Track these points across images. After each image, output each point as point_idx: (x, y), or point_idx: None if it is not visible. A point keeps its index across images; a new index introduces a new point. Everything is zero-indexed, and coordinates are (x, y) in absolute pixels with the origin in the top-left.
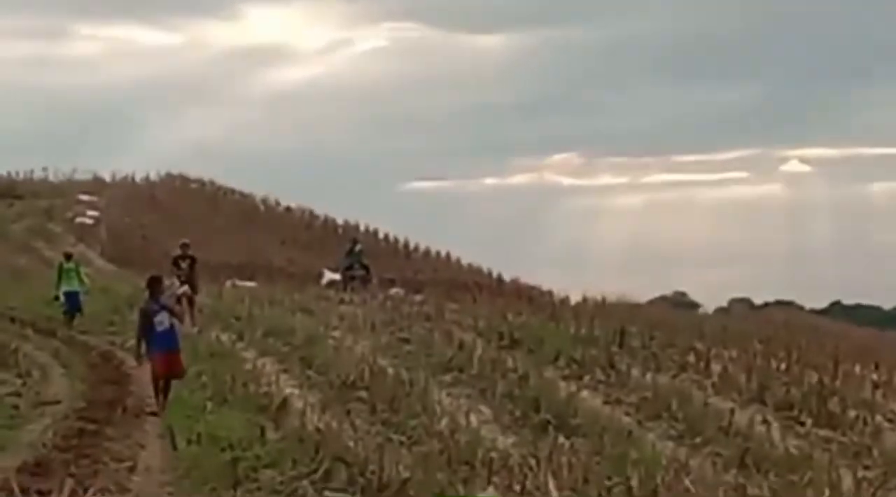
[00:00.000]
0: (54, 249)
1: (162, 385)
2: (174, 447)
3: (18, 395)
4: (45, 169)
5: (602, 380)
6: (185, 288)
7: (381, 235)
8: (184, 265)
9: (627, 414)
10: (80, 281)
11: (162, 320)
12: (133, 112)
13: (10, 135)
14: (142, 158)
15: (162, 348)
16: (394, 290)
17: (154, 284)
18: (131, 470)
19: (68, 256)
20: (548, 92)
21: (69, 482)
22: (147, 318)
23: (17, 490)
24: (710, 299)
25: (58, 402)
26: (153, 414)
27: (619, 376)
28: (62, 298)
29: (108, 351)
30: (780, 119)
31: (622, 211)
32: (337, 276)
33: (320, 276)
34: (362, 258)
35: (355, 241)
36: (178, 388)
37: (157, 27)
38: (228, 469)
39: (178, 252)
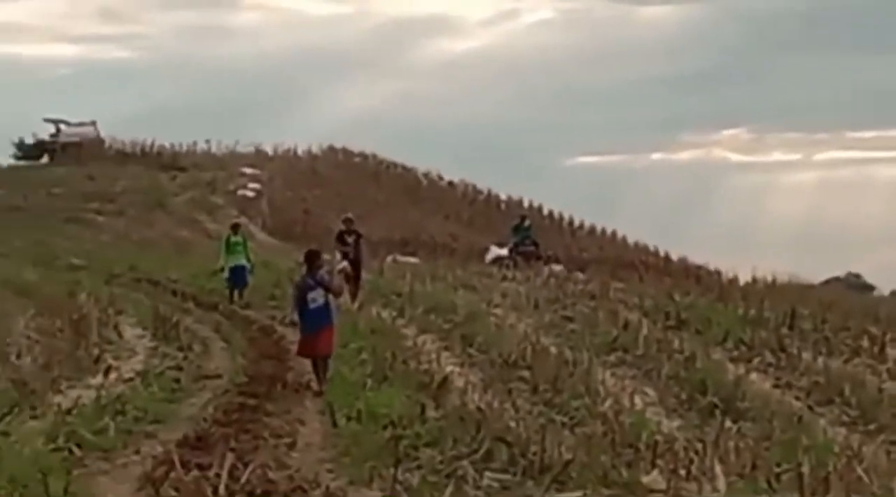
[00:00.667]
0: (216, 222)
1: (321, 364)
2: (334, 424)
3: (179, 368)
4: (207, 141)
5: (771, 363)
6: (345, 264)
7: (545, 212)
8: (349, 240)
9: (797, 398)
10: (247, 256)
11: (315, 297)
12: (297, 83)
13: (174, 106)
14: (305, 131)
15: (311, 327)
16: (556, 268)
17: (311, 258)
18: (291, 446)
19: (235, 228)
20: (717, 65)
21: (230, 457)
22: (301, 293)
23: (177, 463)
24: (886, 282)
25: (218, 377)
26: (317, 394)
27: (790, 359)
28: (227, 272)
29: (269, 325)
30: None
31: (794, 189)
32: (504, 252)
33: (486, 251)
34: (531, 234)
35: (524, 217)
36: (339, 364)
37: None
38: (388, 447)
39: (342, 227)
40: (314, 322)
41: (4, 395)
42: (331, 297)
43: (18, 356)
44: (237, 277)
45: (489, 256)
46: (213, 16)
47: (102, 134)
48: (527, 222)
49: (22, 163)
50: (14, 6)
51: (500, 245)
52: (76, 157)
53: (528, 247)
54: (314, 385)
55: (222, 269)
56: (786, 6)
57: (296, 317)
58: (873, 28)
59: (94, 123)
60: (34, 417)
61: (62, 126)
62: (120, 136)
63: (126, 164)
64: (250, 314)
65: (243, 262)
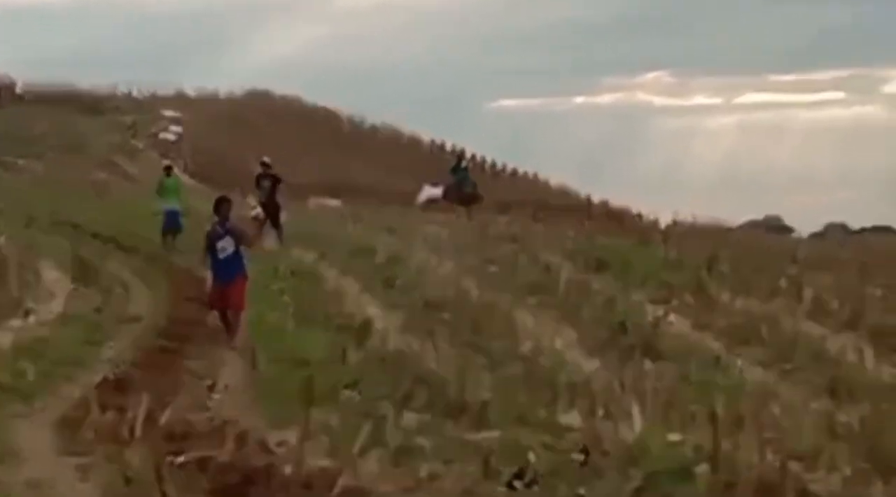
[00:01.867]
0: (137, 166)
1: (232, 317)
2: (254, 366)
3: (100, 311)
4: (128, 84)
5: (690, 304)
6: (258, 210)
7: (467, 155)
8: (265, 184)
9: (715, 339)
10: (180, 199)
11: (225, 246)
12: (220, 28)
13: (93, 49)
14: (228, 75)
15: (221, 278)
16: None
17: (221, 205)
18: (211, 388)
19: (168, 171)
20: (639, 9)
21: (147, 399)
22: (210, 242)
23: (95, 406)
24: (805, 224)
25: (139, 320)
26: (230, 347)
27: (708, 301)
28: (161, 215)
29: (190, 268)
30: (882, 38)
31: (715, 132)
32: (438, 192)
33: (420, 191)
34: (469, 175)
35: (461, 157)
36: (261, 306)
37: None
38: (308, 388)
39: (259, 170)
40: (224, 272)
41: None
42: (242, 246)
43: None
44: (170, 222)
45: (422, 196)
46: None
47: (15, 78)
48: (464, 163)
49: None
50: None
51: (434, 185)
52: None
53: (467, 188)
54: (228, 337)
55: (155, 214)
56: None
57: (207, 268)
58: None
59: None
60: None
61: None
62: (40, 78)
63: (45, 108)
64: (172, 258)
65: (176, 206)
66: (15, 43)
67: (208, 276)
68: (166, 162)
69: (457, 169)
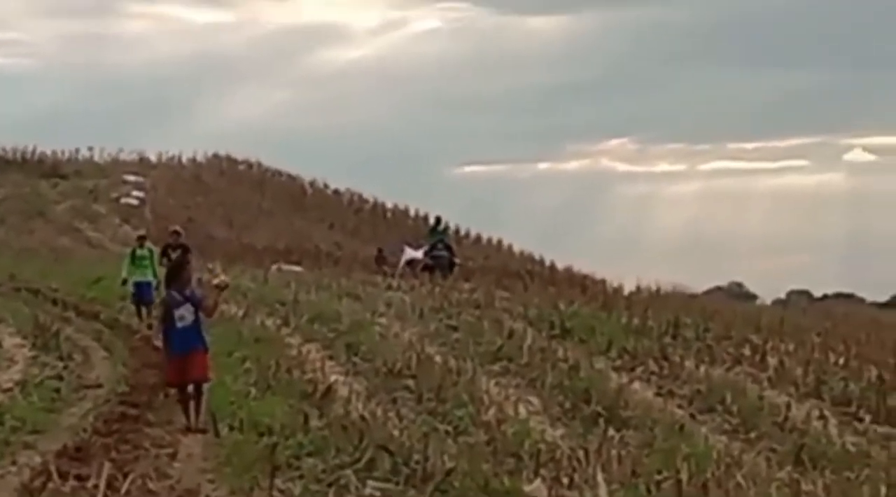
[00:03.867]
0: (98, 230)
1: (191, 392)
2: (216, 434)
3: (60, 378)
4: (90, 148)
5: (654, 371)
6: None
7: (430, 221)
8: (174, 255)
9: (680, 407)
10: (154, 271)
11: (184, 314)
12: (182, 92)
13: (55, 113)
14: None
15: (179, 348)
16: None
17: (178, 270)
18: (172, 456)
19: (142, 241)
20: (603, 75)
21: (108, 467)
22: (167, 311)
23: (55, 474)
24: (768, 291)
25: (99, 386)
26: (188, 430)
27: (672, 368)
28: (131, 287)
29: (150, 335)
30: (844, 107)
31: (678, 199)
32: (419, 255)
33: (401, 252)
34: (447, 237)
35: (439, 218)
36: (222, 373)
37: (208, 5)
38: (270, 456)
39: (168, 240)
40: (183, 343)
41: None
42: (201, 315)
43: None
44: (143, 294)
45: (403, 258)
46: (96, 24)
47: None
48: (442, 224)
49: None
50: None
51: (413, 246)
52: None
53: (441, 251)
54: (187, 420)
55: (125, 282)
56: (668, 19)
57: (159, 340)
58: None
59: None
60: None
61: None
62: (1, 143)
63: (6, 172)
64: (132, 323)
65: (150, 277)
66: None
67: (162, 347)
68: (141, 232)
69: (434, 230)
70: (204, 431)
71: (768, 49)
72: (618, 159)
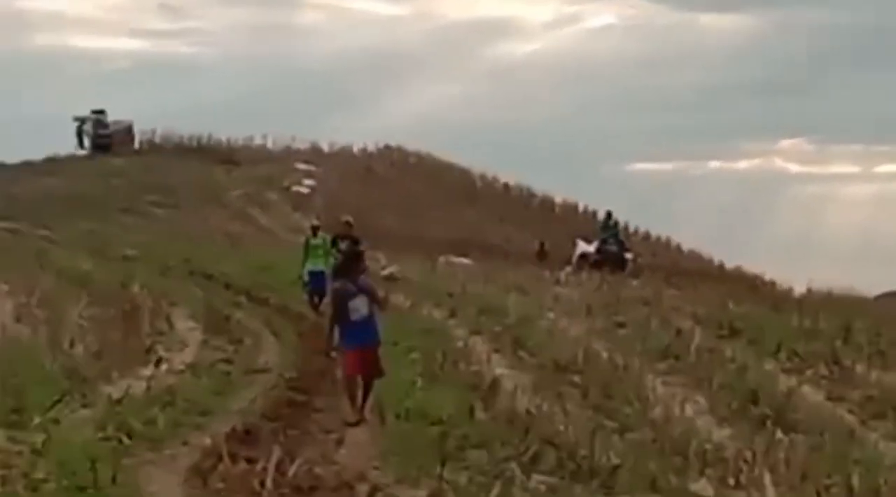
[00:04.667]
0: (270, 217)
1: (361, 385)
2: (382, 421)
3: (230, 361)
4: (264, 136)
5: (825, 375)
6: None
7: (600, 216)
8: (343, 246)
9: (850, 411)
10: (326, 260)
11: (358, 307)
12: (355, 83)
13: (231, 101)
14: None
15: (356, 342)
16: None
17: (352, 260)
18: (339, 442)
19: (315, 231)
20: (777, 75)
21: (277, 451)
22: (342, 302)
23: (225, 456)
24: None
25: (268, 371)
26: (350, 424)
27: (843, 372)
28: (306, 277)
29: (320, 321)
30: None
31: (853, 201)
32: (591, 249)
33: (574, 245)
34: (618, 232)
35: (610, 213)
36: (389, 363)
37: None
38: (436, 446)
39: (339, 231)
40: (360, 336)
41: (56, 383)
42: (375, 307)
43: (71, 345)
44: (317, 283)
45: (577, 252)
46: (275, 13)
47: (154, 127)
48: (612, 220)
49: (81, 152)
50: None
51: (586, 239)
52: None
53: (611, 246)
54: (349, 414)
55: (300, 277)
56: (849, 19)
57: (335, 336)
58: None
59: (130, 123)
60: (85, 406)
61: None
62: (178, 129)
63: (183, 158)
64: (302, 309)
65: (323, 266)
66: (153, 94)
67: (336, 340)
68: (315, 221)
69: (606, 226)
70: (364, 421)
71: None
72: (792, 160)
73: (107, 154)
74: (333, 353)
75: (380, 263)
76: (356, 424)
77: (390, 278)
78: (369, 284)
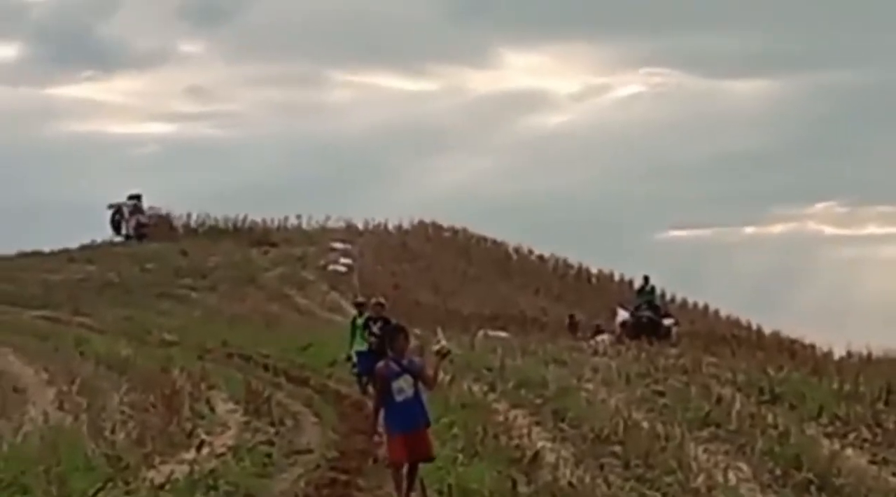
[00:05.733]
0: (307, 297)
1: (406, 470)
2: None
3: (271, 443)
4: (298, 217)
5: (867, 438)
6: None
7: (636, 286)
8: (375, 328)
9: (895, 475)
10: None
11: (402, 387)
12: (387, 160)
13: (264, 182)
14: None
15: (402, 425)
16: (601, 338)
17: (396, 337)
18: None
19: (360, 308)
20: (809, 138)
21: None
22: (385, 383)
23: None
24: None
25: (310, 451)
26: None
27: (886, 435)
28: (354, 358)
29: (360, 400)
30: None
31: (888, 262)
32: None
33: (614, 314)
34: (654, 298)
35: (647, 278)
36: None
37: (412, 74)
38: None
39: (370, 312)
40: (405, 419)
41: (98, 470)
42: (421, 386)
43: (113, 431)
44: (364, 364)
45: (618, 319)
46: (302, 93)
47: (188, 211)
48: (649, 285)
49: (117, 239)
50: (106, 86)
51: (626, 308)
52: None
53: (645, 312)
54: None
55: (349, 358)
56: (875, 78)
57: (379, 421)
58: None
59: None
60: (128, 493)
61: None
62: (212, 211)
63: (218, 240)
64: (342, 389)
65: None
66: (188, 177)
67: (380, 424)
68: (360, 299)
69: (642, 290)
70: None
71: None
72: (825, 222)
73: (143, 241)
74: (377, 437)
75: (436, 339)
76: None
77: (443, 354)
78: (417, 363)
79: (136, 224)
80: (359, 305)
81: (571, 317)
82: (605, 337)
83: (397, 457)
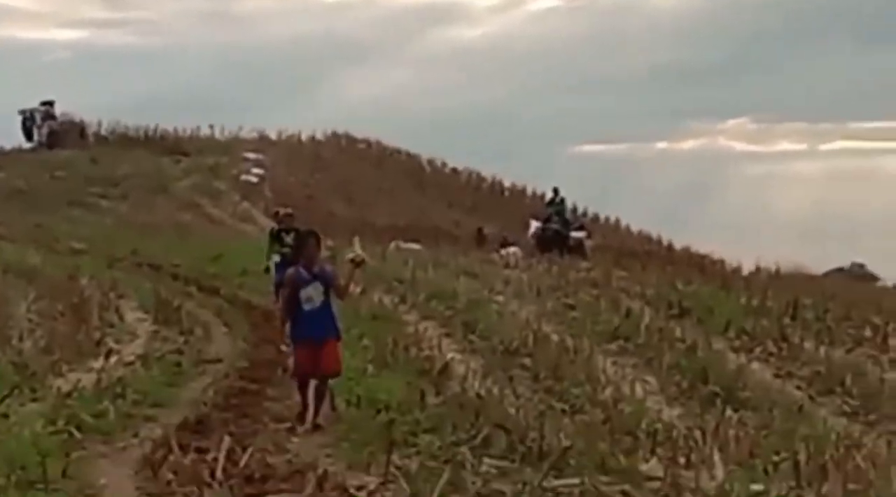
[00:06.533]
0: (219, 207)
1: (313, 387)
2: (333, 409)
3: (180, 352)
4: (211, 126)
5: (773, 352)
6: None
7: (547, 199)
8: (287, 239)
9: (799, 388)
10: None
11: (311, 296)
12: (303, 71)
13: (177, 91)
14: (310, 118)
15: (308, 334)
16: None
17: (305, 243)
18: (290, 431)
19: (280, 218)
20: (722, 55)
21: (228, 441)
22: (292, 291)
23: (176, 447)
24: (891, 272)
25: (219, 361)
26: (299, 421)
27: (791, 349)
28: (273, 269)
29: (271, 311)
30: None
31: (798, 179)
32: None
33: (526, 226)
34: (564, 209)
35: (556, 190)
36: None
37: None
38: (386, 432)
39: (280, 224)
40: (312, 328)
41: (5, 378)
42: (332, 296)
43: (20, 339)
44: (280, 275)
45: (531, 230)
46: (222, 2)
47: (99, 119)
48: (559, 196)
49: (27, 145)
50: None
51: (539, 218)
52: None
53: (553, 224)
54: (305, 417)
55: (267, 270)
56: None
57: (287, 329)
58: (877, 20)
59: (79, 118)
60: (34, 400)
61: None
62: (124, 120)
63: (130, 149)
64: (252, 298)
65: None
66: (100, 85)
67: (286, 333)
68: (283, 210)
69: (552, 202)
70: (320, 427)
71: (891, 27)
72: (737, 139)
73: (54, 148)
74: (284, 347)
75: (351, 245)
76: (310, 431)
77: (356, 262)
78: (329, 271)
79: (49, 131)
80: (276, 216)
81: (480, 230)
82: (513, 249)
83: (302, 370)
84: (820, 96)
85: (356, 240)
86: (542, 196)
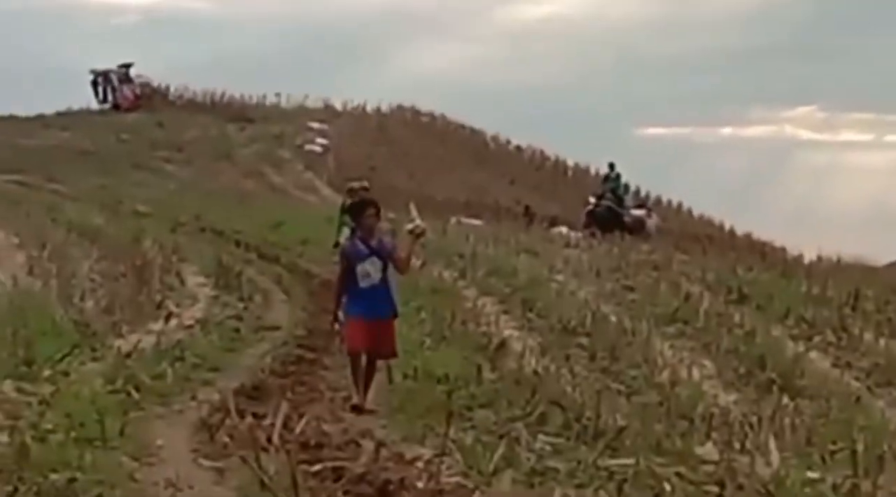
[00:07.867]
0: (282, 175)
1: (364, 364)
2: (390, 380)
3: (240, 318)
4: (277, 94)
5: (832, 342)
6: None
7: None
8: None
9: (857, 379)
10: None
11: (368, 271)
12: (370, 42)
13: (245, 57)
14: (375, 89)
15: (363, 312)
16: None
17: (364, 212)
18: (346, 400)
19: (353, 192)
20: (791, 41)
21: (284, 407)
22: (348, 265)
23: (233, 411)
24: None
25: (277, 328)
26: (354, 408)
27: (851, 340)
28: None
29: (330, 280)
30: None
31: (864, 169)
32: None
33: (586, 204)
34: (619, 186)
35: (612, 165)
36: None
37: None
38: (442, 405)
39: (352, 197)
40: (369, 306)
41: (66, 336)
42: (391, 271)
43: (82, 298)
44: None
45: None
46: None
47: (167, 83)
48: (615, 172)
49: (104, 106)
50: None
51: (595, 196)
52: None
53: (605, 201)
54: (354, 397)
55: (336, 245)
56: None
57: (340, 313)
58: None
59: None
60: (94, 359)
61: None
62: (191, 85)
63: (195, 114)
64: (312, 268)
65: None
66: (168, 49)
67: (341, 312)
68: (356, 184)
69: (607, 177)
70: (372, 412)
71: None
72: (803, 127)
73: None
74: (337, 325)
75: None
76: (359, 412)
77: (417, 234)
78: (388, 245)
79: (133, 95)
80: (351, 190)
81: (527, 207)
82: (562, 228)
83: (355, 344)
84: (889, 86)
85: (412, 206)
86: (606, 176)
